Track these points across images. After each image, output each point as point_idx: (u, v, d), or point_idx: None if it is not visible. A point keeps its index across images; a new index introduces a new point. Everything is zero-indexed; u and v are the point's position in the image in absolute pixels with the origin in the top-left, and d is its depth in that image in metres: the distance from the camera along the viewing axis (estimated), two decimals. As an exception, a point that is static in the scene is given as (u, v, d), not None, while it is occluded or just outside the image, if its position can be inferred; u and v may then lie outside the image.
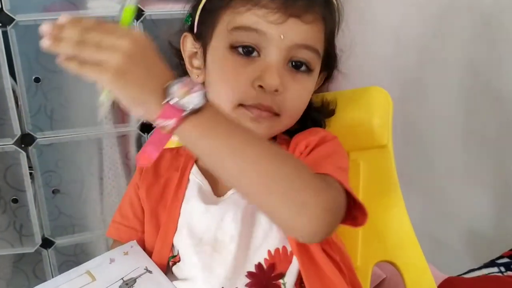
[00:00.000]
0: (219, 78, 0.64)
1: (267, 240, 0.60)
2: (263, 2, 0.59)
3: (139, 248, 0.67)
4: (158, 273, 0.62)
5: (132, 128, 1.19)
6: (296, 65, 0.63)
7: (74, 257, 1.23)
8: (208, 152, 0.48)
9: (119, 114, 1.17)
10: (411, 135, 0.81)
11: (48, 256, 1.19)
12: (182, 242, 0.63)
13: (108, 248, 1.33)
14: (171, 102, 0.45)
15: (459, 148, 1.00)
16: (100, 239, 1.25)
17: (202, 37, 0.67)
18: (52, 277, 1.23)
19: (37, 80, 1.09)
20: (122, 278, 0.60)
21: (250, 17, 0.60)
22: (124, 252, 0.65)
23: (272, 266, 0.60)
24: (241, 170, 0.48)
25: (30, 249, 1.16)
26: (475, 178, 0.98)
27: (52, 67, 1.09)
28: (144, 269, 0.62)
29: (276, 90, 0.61)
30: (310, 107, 0.71)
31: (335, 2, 0.68)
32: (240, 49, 0.61)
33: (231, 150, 0.48)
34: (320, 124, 0.73)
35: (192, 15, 0.69)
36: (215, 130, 0.47)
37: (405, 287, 0.76)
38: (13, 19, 1.02)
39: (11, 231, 1.16)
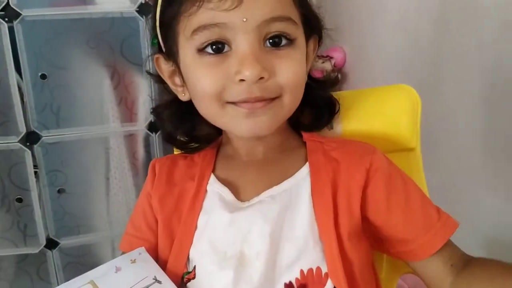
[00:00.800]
0: (197, 87, 0.58)
1: (300, 258, 0.55)
2: None
3: (147, 256, 0.62)
4: (168, 283, 0.58)
5: (140, 128, 1.17)
6: (275, 42, 0.57)
7: (79, 259, 1.22)
8: None
9: (127, 112, 1.15)
10: (426, 136, 0.76)
11: (53, 257, 1.18)
12: (202, 257, 0.59)
13: (113, 250, 1.33)
14: None
15: (479, 149, 0.95)
16: (106, 241, 1.24)
17: (171, 54, 0.62)
18: (57, 279, 1.22)
19: (43, 76, 1.07)
20: (128, 289, 0.57)
21: (204, 14, 0.55)
22: (131, 260, 0.61)
23: (302, 286, 0.56)
24: None
25: (34, 250, 1.15)
26: (497, 182, 0.93)
27: (59, 64, 1.08)
28: (153, 279, 0.58)
29: (262, 78, 0.55)
30: (311, 81, 0.65)
31: None
32: (209, 49, 0.56)
33: None
34: (327, 100, 0.67)
35: (156, 35, 0.65)
36: None
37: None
38: (19, 14, 1.00)
39: (14, 231, 1.15)
